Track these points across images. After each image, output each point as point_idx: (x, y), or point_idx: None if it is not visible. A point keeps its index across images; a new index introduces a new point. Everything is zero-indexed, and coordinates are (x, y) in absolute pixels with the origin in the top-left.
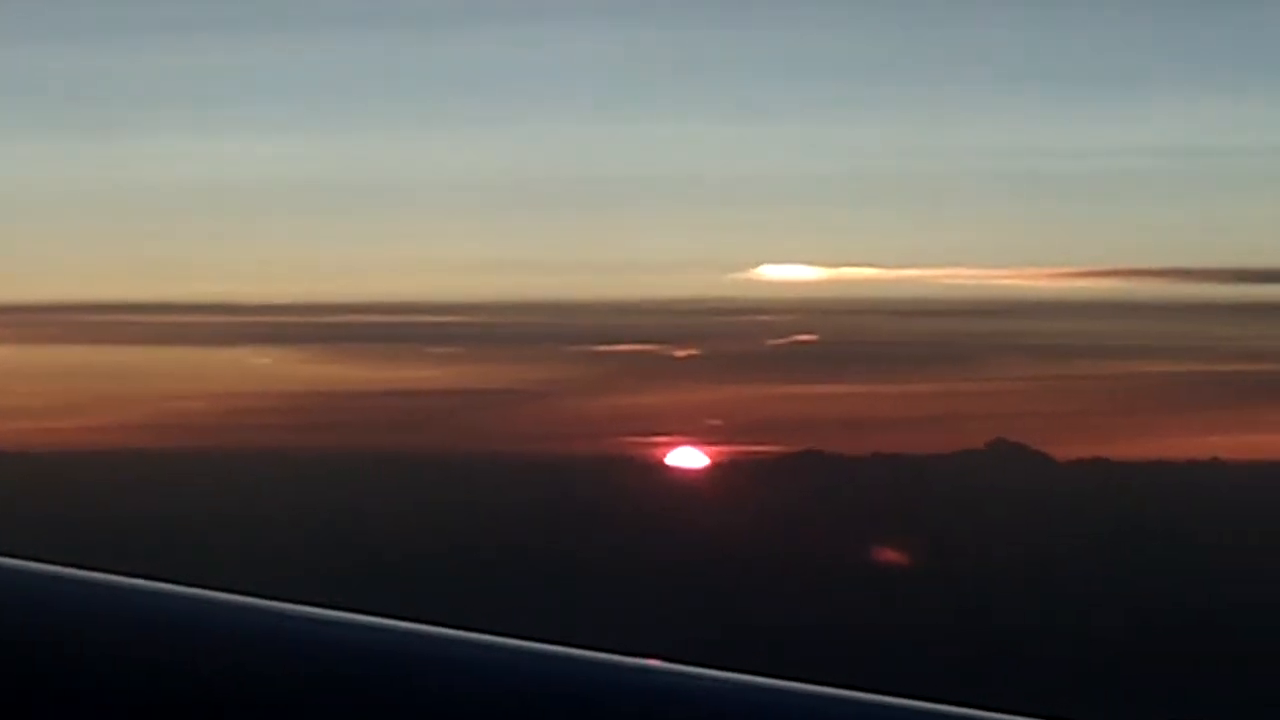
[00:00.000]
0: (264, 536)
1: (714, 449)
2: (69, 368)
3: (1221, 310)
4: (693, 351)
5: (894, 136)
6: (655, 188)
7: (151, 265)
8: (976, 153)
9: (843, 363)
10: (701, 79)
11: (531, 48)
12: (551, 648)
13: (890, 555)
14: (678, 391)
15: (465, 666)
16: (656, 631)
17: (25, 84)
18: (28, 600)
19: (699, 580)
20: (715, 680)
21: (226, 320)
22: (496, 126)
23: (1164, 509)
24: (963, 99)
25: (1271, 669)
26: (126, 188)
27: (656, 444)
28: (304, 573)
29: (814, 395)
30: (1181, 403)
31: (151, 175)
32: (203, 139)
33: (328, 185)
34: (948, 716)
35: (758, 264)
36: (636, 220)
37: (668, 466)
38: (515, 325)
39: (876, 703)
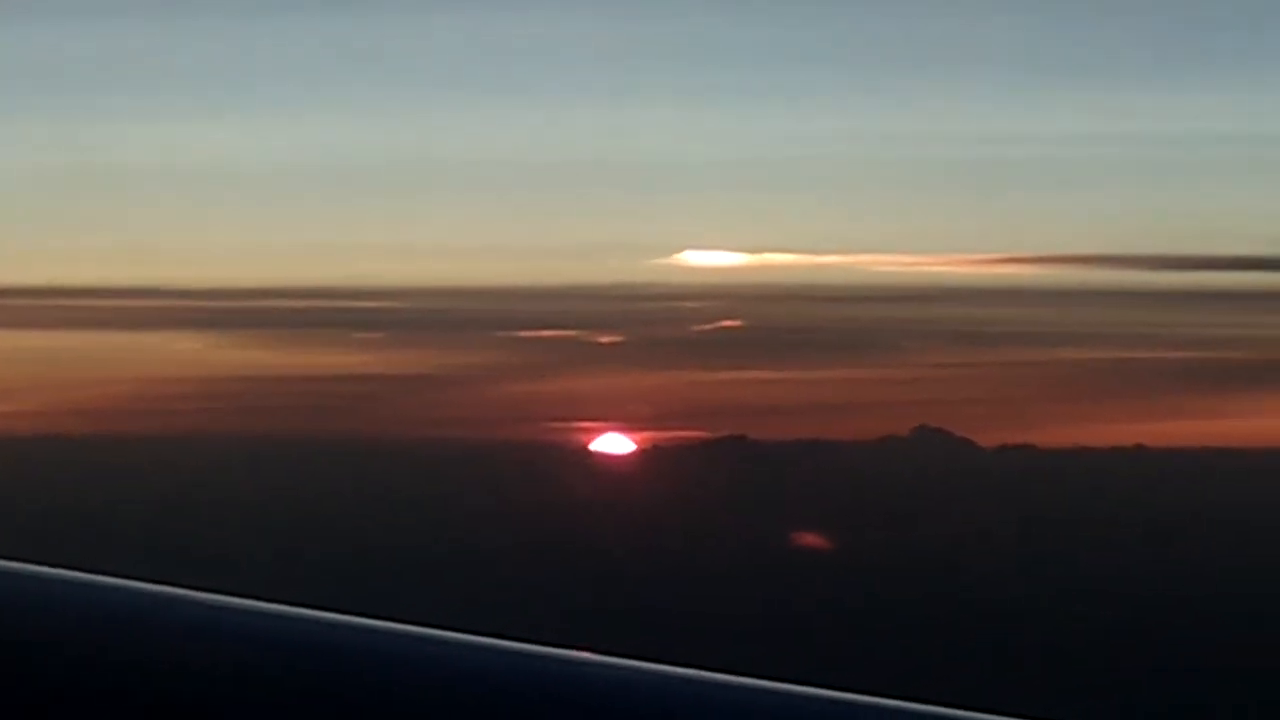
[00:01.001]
0: (187, 521)
1: (639, 435)
2: None
3: (1147, 297)
4: (617, 337)
5: (817, 122)
6: (577, 173)
7: (76, 250)
8: (901, 139)
9: (767, 349)
10: (626, 64)
11: (452, 31)
12: (537, 648)
13: (813, 541)
14: (602, 377)
15: (453, 667)
16: (582, 618)
17: None
18: (19, 602)
19: (624, 566)
20: (706, 681)
21: (152, 305)
22: (419, 112)
23: (1088, 495)
24: (888, 86)
25: (1194, 650)
26: (52, 172)
27: (582, 430)
28: (226, 557)
29: (739, 381)
30: (1107, 389)
31: (76, 160)
32: (130, 124)
33: (252, 171)
34: (938, 718)
35: (681, 249)
36: (559, 205)
37: (593, 452)
38: (438, 311)
39: (865, 704)
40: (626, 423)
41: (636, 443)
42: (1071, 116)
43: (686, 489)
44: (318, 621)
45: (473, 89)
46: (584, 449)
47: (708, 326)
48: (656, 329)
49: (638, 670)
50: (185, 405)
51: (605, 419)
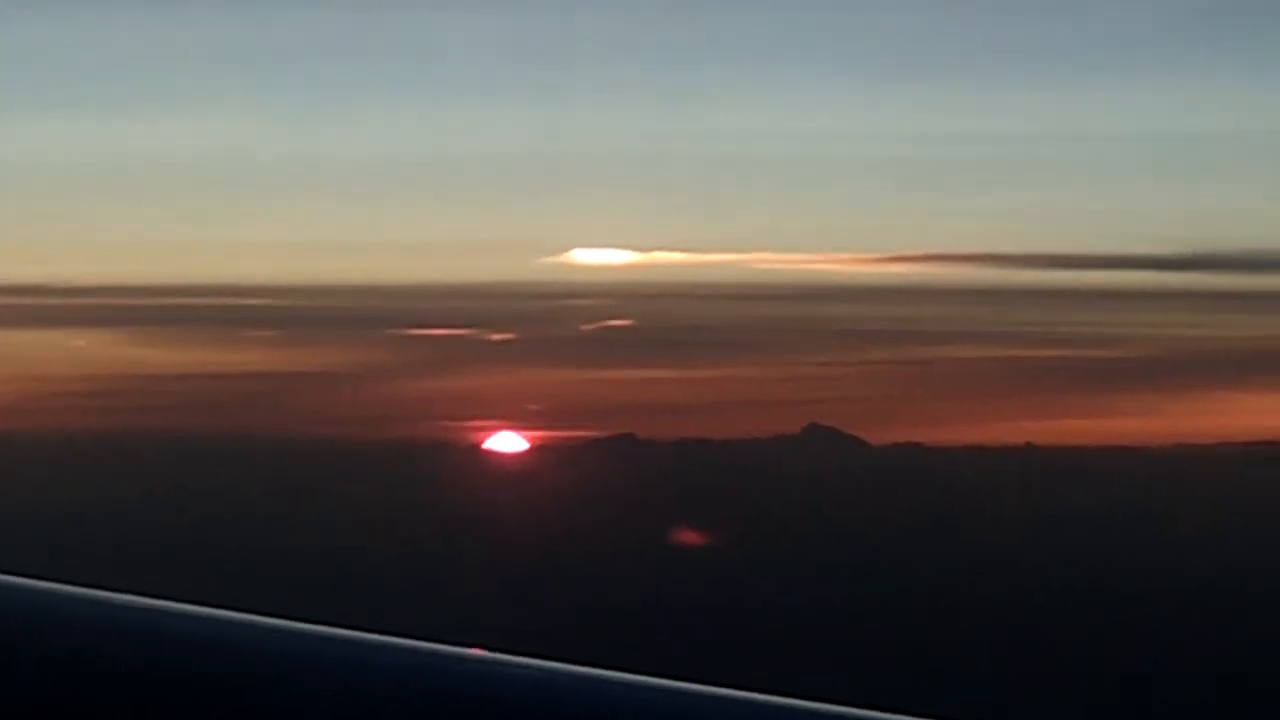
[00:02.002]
0: (79, 518)
1: (531, 433)
2: None
3: (1034, 296)
4: (508, 336)
5: (705, 122)
6: (468, 172)
7: None
8: (789, 139)
9: (657, 347)
10: (513, 64)
11: (346, 31)
12: (527, 660)
13: (700, 539)
14: (494, 376)
15: (442, 679)
16: (475, 615)
17: None
18: (15, 617)
19: (517, 564)
20: (693, 695)
21: (42, 303)
22: (313, 111)
23: (978, 493)
24: (773, 85)
25: (1088, 646)
26: None
27: (474, 428)
28: (115, 555)
29: (629, 380)
30: (996, 388)
31: None
32: (20, 119)
33: (146, 168)
34: None
35: (570, 248)
36: (449, 204)
37: (485, 450)
38: (330, 309)
39: (857, 717)
40: (518, 421)
41: (529, 441)
42: (960, 116)
43: (576, 488)
44: (300, 634)
45: (366, 89)
46: (476, 447)
47: (597, 325)
48: (547, 327)
49: (615, 682)
50: (76, 403)
51: (497, 417)
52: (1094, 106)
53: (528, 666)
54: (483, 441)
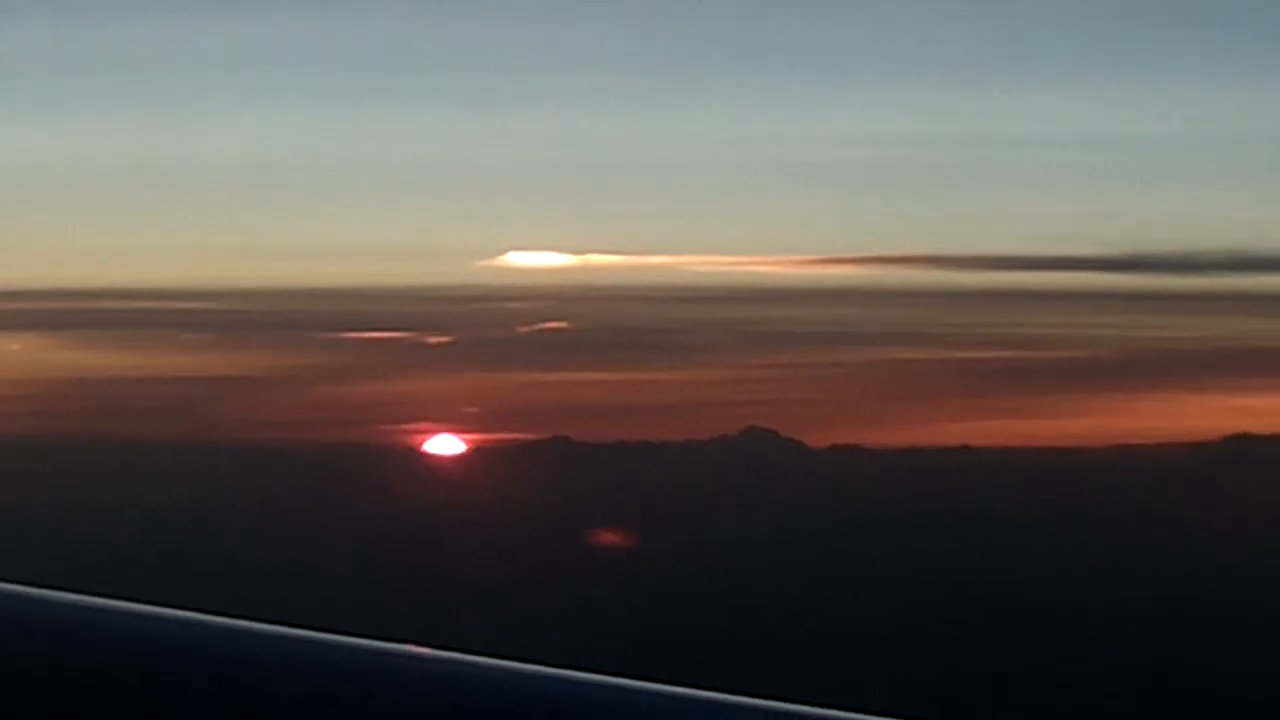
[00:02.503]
0: (11, 524)
1: (467, 436)
2: None
3: (973, 298)
4: (445, 338)
5: (639, 125)
6: (402, 176)
7: None
8: (724, 141)
9: (594, 350)
10: (446, 66)
11: (282, 35)
12: (522, 665)
13: (639, 541)
14: (432, 379)
15: (442, 685)
16: (413, 618)
17: None
18: (15, 624)
19: (454, 566)
20: (694, 699)
21: None
22: (247, 115)
23: (916, 495)
24: (709, 87)
25: (1026, 645)
26: None
27: (411, 431)
28: (50, 561)
29: (566, 382)
30: (934, 389)
31: None
32: None
33: (76, 170)
34: None
35: (505, 251)
36: (384, 208)
37: (420, 454)
38: (266, 313)
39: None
40: (455, 424)
41: (468, 444)
42: (897, 118)
43: (511, 491)
44: (301, 640)
45: (303, 93)
46: (412, 450)
47: (534, 328)
48: (484, 330)
49: (610, 687)
50: (9, 407)
51: (435, 420)
52: (1034, 110)
53: (521, 671)
54: (421, 444)
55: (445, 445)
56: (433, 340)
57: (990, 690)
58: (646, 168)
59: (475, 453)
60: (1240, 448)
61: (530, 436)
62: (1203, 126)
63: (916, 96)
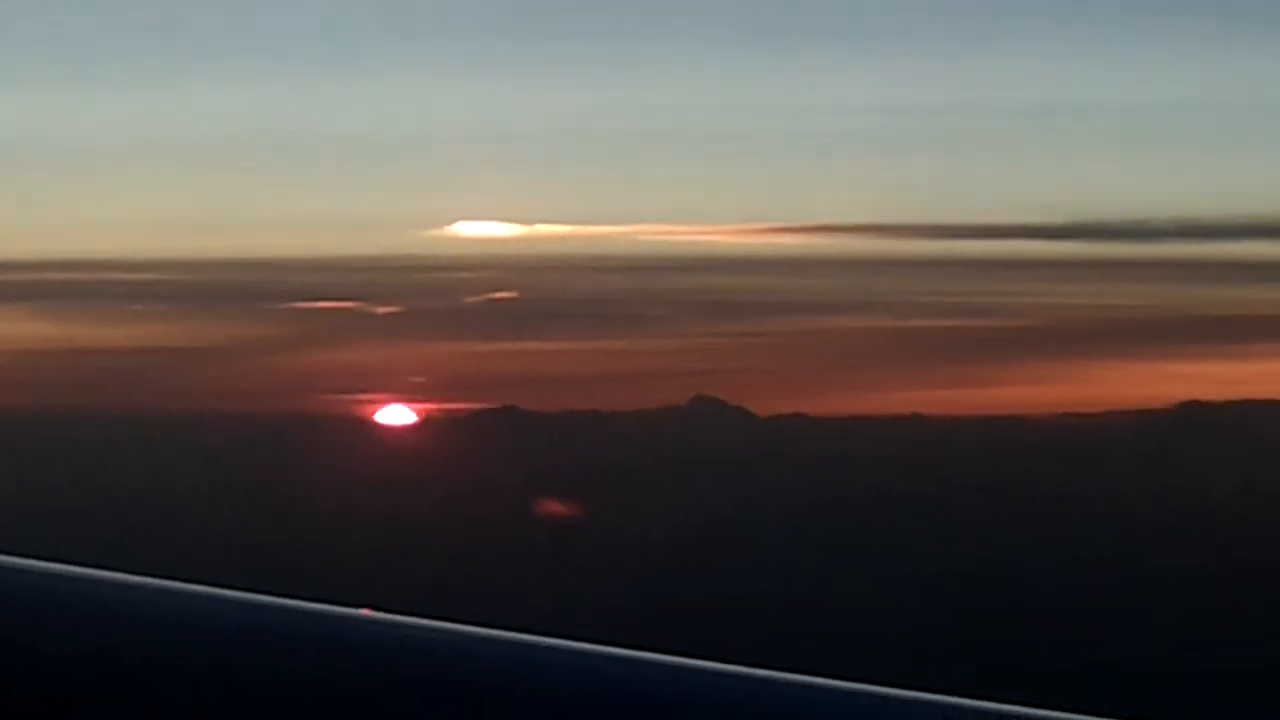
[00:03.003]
0: None
1: (415, 405)
2: None
3: (919, 266)
4: (394, 308)
5: (587, 94)
6: (349, 146)
7: None
8: (671, 111)
9: (542, 319)
10: (394, 36)
11: (226, 4)
12: (537, 639)
13: (587, 510)
14: (381, 348)
15: (455, 658)
16: (364, 586)
17: None
18: (22, 598)
19: (404, 535)
20: (711, 673)
21: None
22: (192, 87)
23: (865, 464)
24: (656, 58)
25: (971, 610)
26: None
27: (362, 401)
28: (6, 534)
29: (515, 351)
30: (882, 358)
31: None
32: None
33: (32, 143)
34: (937, 706)
35: (453, 221)
36: (331, 178)
37: (375, 423)
38: (216, 283)
39: (870, 693)
40: (407, 394)
41: (417, 413)
42: (844, 87)
43: (460, 460)
44: (315, 615)
45: (247, 64)
46: (362, 420)
47: (482, 297)
48: (432, 300)
49: (619, 659)
50: None
51: (384, 390)
52: (976, 77)
53: (525, 643)
54: (371, 414)
55: (395, 415)
56: (381, 310)
57: (938, 657)
58: (595, 138)
59: (424, 422)
60: (1189, 415)
61: (479, 406)
62: (1149, 94)
63: (864, 66)
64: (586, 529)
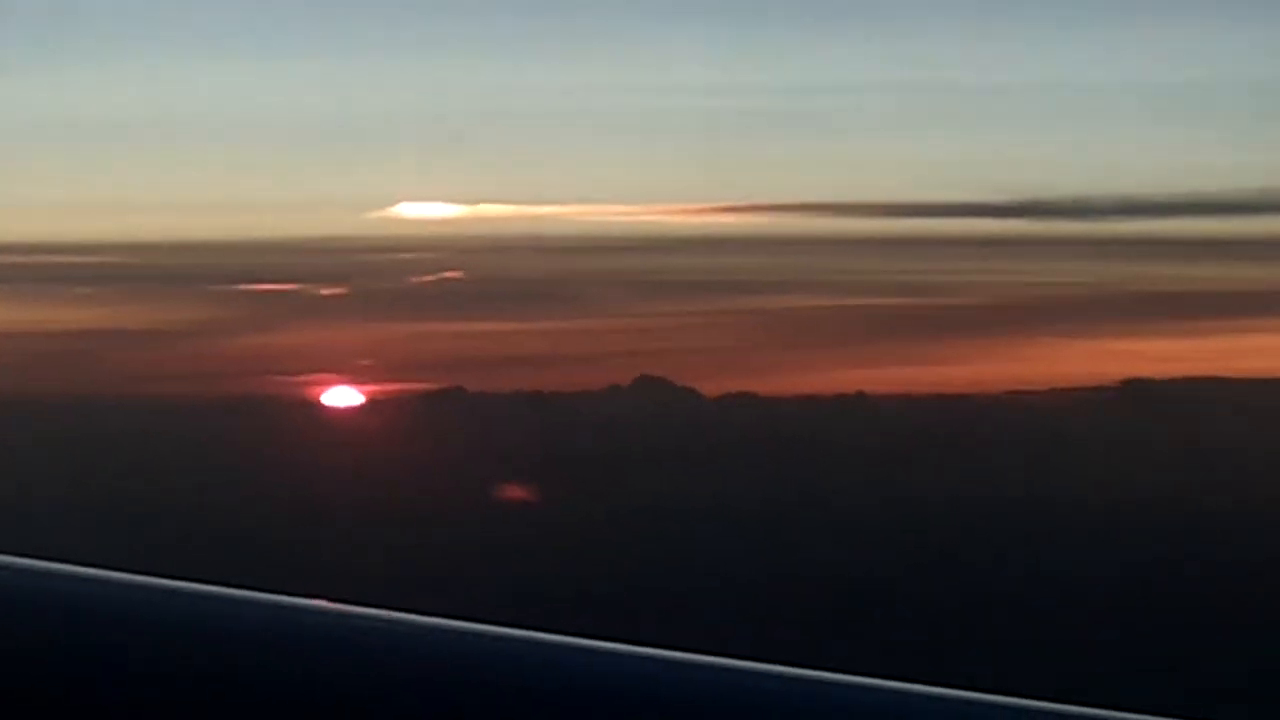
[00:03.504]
0: None
1: (365, 387)
2: None
3: (866, 244)
4: (339, 290)
5: (530, 74)
6: (290, 127)
7: None
8: (616, 90)
9: (488, 300)
10: (336, 16)
11: None
12: (535, 635)
13: (534, 491)
14: (326, 330)
15: (458, 656)
16: (313, 572)
17: None
18: (23, 598)
19: (350, 518)
20: (711, 668)
21: None
22: (134, 68)
23: (813, 443)
24: (598, 37)
25: (917, 591)
26: None
27: (308, 383)
28: None
29: (461, 332)
30: (828, 337)
31: None
32: None
33: None
34: (941, 700)
35: (396, 202)
36: (274, 160)
37: (321, 405)
38: (158, 266)
39: (880, 687)
40: (353, 375)
41: (358, 395)
42: (788, 67)
43: (405, 442)
44: (316, 612)
45: (187, 47)
46: (308, 402)
47: (428, 278)
48: (377, 281)
49: (638, 658)
50: None
51: (332, 372)
52: (922, 55)
53: (516, 638)
54: (317, 396)
55: (341, 397)
56: (326, 292)
57: (885, 635)
58: (538, 117)
59: (370, 404)
60: (1135, 392)
61: (425, 387)
62: (1094, 73)
63: (808, 46)
64: (533, 510)
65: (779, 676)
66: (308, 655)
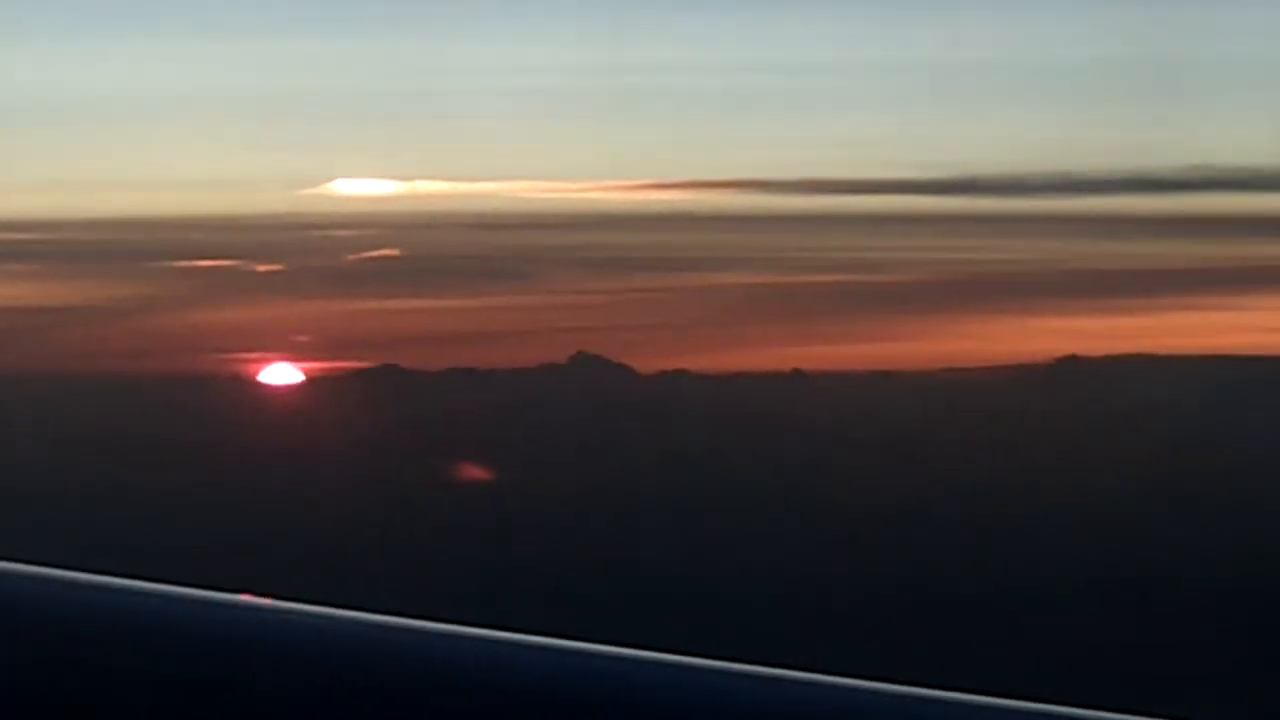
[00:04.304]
0: None
1: (302, 364)
2: None
3: (799, 221)
4: (275, 267)
5: (461, 53)
6: (226, 104)
7: None
8: (548, 68)
9: (423, 277)
10: None
11: None
12: (539, 639)
13: (468, 469)
14: (263, 307)
15: (457, 662)
16: (250, 555)
17: None
18: (22, 603)
19: (285, 497)
20: (707, 671)
21: None
22: (70, 45)
23: (747, 420)
24: (530, 14)
25: (859, 567)
26: None
27: (245, 360)
28: None
29: (396, 310)
30: (763, 314)
31: None
32: None
33: None
34: (937, 702)
35: (330, 179)
36: (208, 137)
37: (258, 382)
38: (94, 242)
39: (872, 690)
40: (289, 353)
41: (295, 372)
42: (720, 45)
43: (340, 419)
44: (313, 617)
45: (125, 24)
46: (244, 379)
47: (364, 255)
48: (313, 258)
49: (639, 662)
50: None
51: (268, 349)
52: (854, 34)
53: (516, 643)
54: (254, 373)
55: (277, 374)
56: (262, 269)
57: (822, 615)
58: (472, 95)
59: (308, 381)
60: (1069, 369)
61: (360, 364)
62: (1028, 51)
63: (739, 23)
64: (469, 487)
65: (755, 677)
66: (296, 660)
